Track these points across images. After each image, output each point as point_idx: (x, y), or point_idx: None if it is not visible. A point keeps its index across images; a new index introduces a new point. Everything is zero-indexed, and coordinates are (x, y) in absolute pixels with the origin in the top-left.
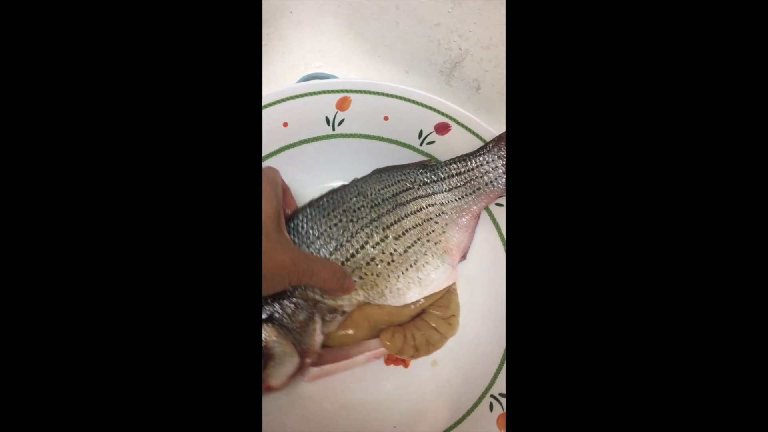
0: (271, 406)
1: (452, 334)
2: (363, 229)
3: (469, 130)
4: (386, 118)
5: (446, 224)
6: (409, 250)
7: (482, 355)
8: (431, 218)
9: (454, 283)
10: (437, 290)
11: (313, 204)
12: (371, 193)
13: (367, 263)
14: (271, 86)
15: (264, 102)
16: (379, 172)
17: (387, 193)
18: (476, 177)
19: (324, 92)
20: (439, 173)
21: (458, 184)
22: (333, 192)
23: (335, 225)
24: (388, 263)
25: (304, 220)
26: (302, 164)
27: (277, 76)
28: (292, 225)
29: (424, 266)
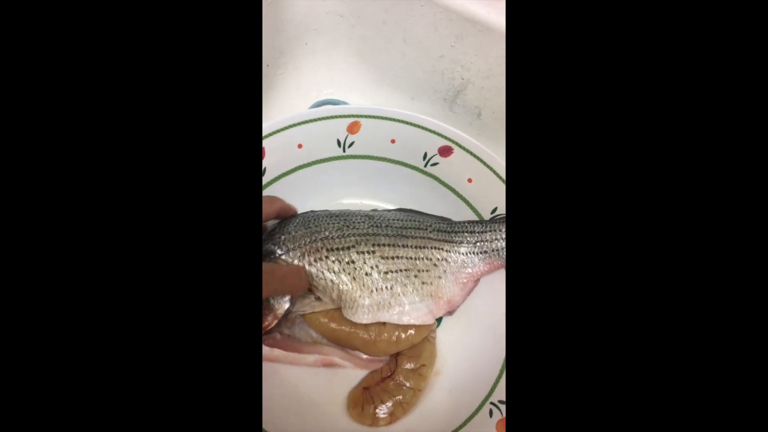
0: (272, 407)
1: (424, 386)
2: (355, 236)
3: (471, 153)
4: (393, 141)
5: (444, 272)
6: (390, 273)
7: (482, 365)
8: (431, 259)
9: (433, 332)
10: (401, 323)
11: (327, 211)
12: (378, 217)
13: (348, 263)
14: (287, 111)
15: (281, 125)
16: (401, 210)
17: (395, 224)
18: (487, 240)
19: (336, 117)
20: (456, 227)
21: (469, 241)
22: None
23: (333, 223)
24: (366, 274)
25: (312, 216)
26: (315, 183)
27: (293, 102)
28: (300, 218)
29: (399, 296)
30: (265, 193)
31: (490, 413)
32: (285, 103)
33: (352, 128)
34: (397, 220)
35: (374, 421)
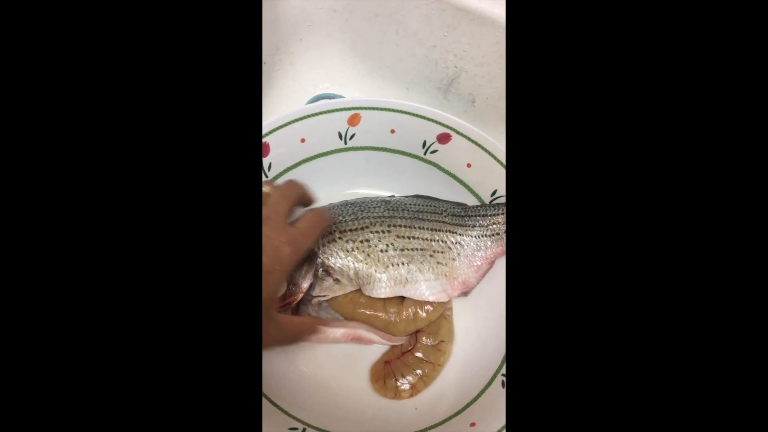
0: (282, 390)
1: (444, 360)
2: (369, 218)
3: (469, 139)
4: (393, 131)
5: (458, 255)
6: (406, 251)
7: (493, 339)
8: (446, 242)
9: (449, 310)
10: (417, 298)
11: (346, 201)
12: (394, 202)
13: (362, 241)
14: (284, 105)
15: (284, 121)
16: (418, 197)
17: (412, 207)
18: (500, 222)
19: (337, 110)
20: (469, 211)
21: (482, 224)
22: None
23: (348, 209)
24: (381, 251)
25: (329, 207)
26: (319, 175)
27: (290, 98)
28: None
29: (414, 272)
30: None
31: (503, 384)
32: (282, 100)
33: (353, 121)
34: (414, 204)
35: (397, 393)
